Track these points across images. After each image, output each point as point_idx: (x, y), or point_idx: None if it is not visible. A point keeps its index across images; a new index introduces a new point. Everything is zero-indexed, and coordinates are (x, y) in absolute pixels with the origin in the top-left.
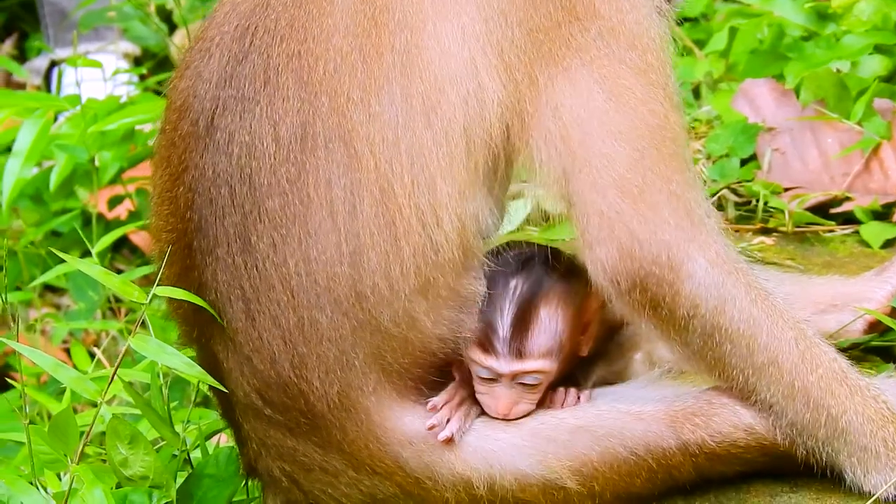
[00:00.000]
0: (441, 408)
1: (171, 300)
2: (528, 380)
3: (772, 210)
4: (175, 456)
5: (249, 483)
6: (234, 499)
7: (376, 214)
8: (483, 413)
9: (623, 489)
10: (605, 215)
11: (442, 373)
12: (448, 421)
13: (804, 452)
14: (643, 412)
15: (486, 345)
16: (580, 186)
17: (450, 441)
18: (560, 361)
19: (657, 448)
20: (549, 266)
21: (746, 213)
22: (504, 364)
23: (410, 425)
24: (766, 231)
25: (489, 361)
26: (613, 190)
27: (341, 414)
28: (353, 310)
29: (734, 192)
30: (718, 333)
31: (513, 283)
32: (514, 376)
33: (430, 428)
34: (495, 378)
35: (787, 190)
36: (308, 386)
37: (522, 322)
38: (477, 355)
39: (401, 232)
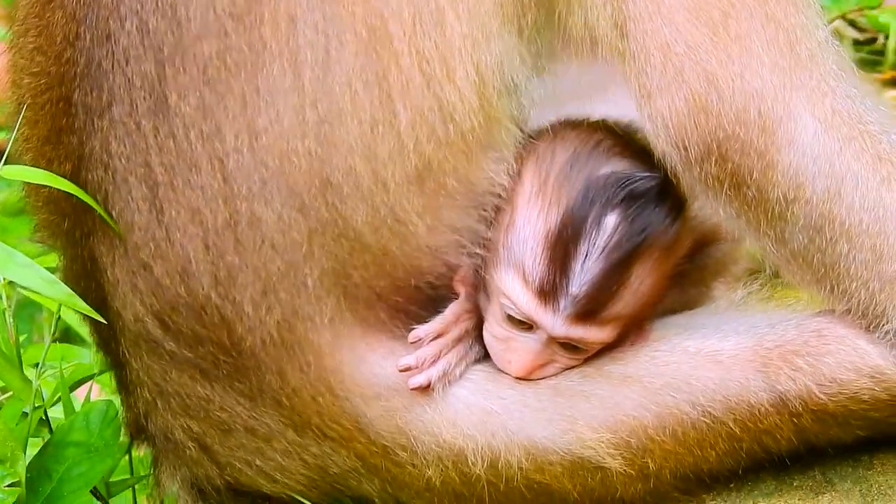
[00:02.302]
0: (428, 342)
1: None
2: (579, 344)
3: None
4: (26, 415)
5: (135, 453)
6: (113, 478)
7: (362, 65)
8: (487, 356)
9: (691, 466)
10: (671, 50)
11: (432, 303)
12: (432, 363)
13: None
14: (721, 352)
15: (543, 290)
16: (639, 8)
17: (426, 390)
18: (629, 324)
19: (742, 405)
20: (661, 204)
21: (870, 55)
22: (559, 324)
23: (379, 373)
24: None
25: (538, 314)
26: (684, 13)
27: (280, 352)
28: (313, 204)
29: (852, 24)
30: (830, 227)
31: (610, 220)
32: (562, 338)
33: (404, 370)
34: (529, 326)
35: None
36: (235, 310)
37: (608, 280)
38: (519, 295)
39: (396, 90)
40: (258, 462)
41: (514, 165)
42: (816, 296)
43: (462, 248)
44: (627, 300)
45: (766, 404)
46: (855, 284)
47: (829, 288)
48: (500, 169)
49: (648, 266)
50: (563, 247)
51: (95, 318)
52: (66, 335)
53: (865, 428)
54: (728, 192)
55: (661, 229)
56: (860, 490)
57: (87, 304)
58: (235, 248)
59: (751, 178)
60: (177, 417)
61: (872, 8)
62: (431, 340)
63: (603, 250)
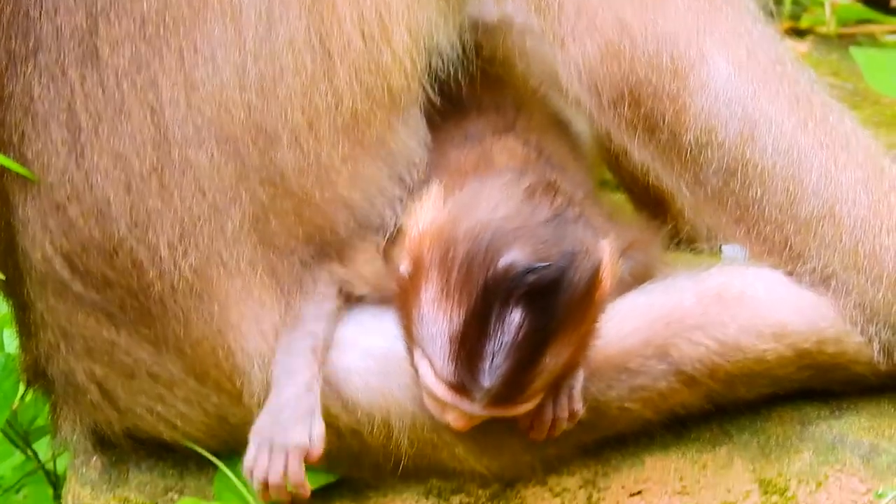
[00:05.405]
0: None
1: None
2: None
3: (804, 2)
4: None
5: (31, 395)
6: (34, 426)
7: (305, 26)
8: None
9: (593, 440)
10: (584, 1)
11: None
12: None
13: (879, 351)
14: (621, 333)
15: (455, 386)
16: None
17: None
18: (560, 379)
19: (652, 394)
20: (567, 288)
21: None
22: (477, 409)
23: (277, 330)
24: (797, 33)
25: (455, 401)
26: None
27: (188, 300)
28: (245, 150)
29: None
30: (744, 170)
31: (513, 318)
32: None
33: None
34: None
35: None
36: (150, 253)
37: (519, 373)
38: (434, 385)
39: (336, 50)
40: (159, 408)
41: (429, 140)
42: (733, 238)
43: (373, 208)
44: (546, 375)
45: (676, 385)
46: (770, 227)
47: (744, 230)
48: (413, 138)
49: (563, 343)
50: (469, 349)
51: None
52: None
53: (769, 385)
54: (642, 135)
55: (570, 311)
56: (758, 441)
57: None
58: (159, 193)
59: (663, 122)
60: (80, 360)
61: None
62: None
63: (510, 348)
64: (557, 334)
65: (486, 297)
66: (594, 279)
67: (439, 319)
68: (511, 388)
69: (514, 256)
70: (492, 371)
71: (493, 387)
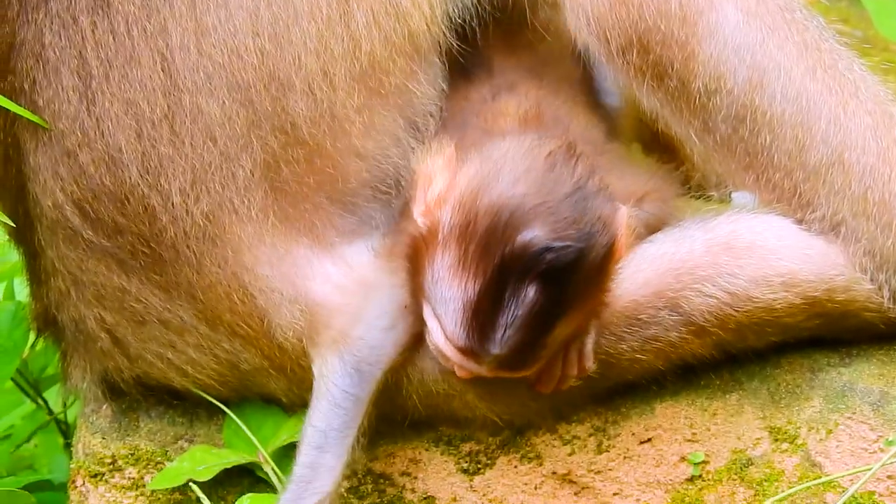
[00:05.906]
0: None
1: None
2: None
3: None
4: None
5: (41, 344)
6: (45, 374)
7: None
8: None
9: (604, 389)
10: None
11: (354, 210)
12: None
13: (889, 298)
14: (633, 286)
15: (465, 351)
16: None
17: None
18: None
19: (664, 344)
20: (583, 266)
21: None
22: (485, 370)
23: (294, 273)
24: None
25: (463, 362)
26: None
27: (201, 245)
28: (258, 98)
29: None
30: (753, 118)
31: (528, 293)
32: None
33: None
34: None
35: None
36: (162, 199)
37: (529, 344)
38: (443, 346)
39: None
40: (170, 355)
41: (447, 87)
42: (742, 186)
43: (388, 159)
44: (555, 344)
45: (686, 335)
46: (779, 175)
47: (753, 178)
48: (433, 85)
49: (575, 314)
50: (481, 319)
51: (5, 220)
52: None
53: (780, 334)
54: (651, 82)
55: (584, 286)
56: (768, 389)
57: (6, 190)
58: (171, 139)
59: (672, 69)
60: (90, 307)
61: None
62: None
63: (522, 321)
64: (570, 309)
65: (503, 272)
66: (610, 253)
67: (454, 286)
68: (519, 356)
69: (533, 234)
70: (502, 341)
71: (501, 354)
